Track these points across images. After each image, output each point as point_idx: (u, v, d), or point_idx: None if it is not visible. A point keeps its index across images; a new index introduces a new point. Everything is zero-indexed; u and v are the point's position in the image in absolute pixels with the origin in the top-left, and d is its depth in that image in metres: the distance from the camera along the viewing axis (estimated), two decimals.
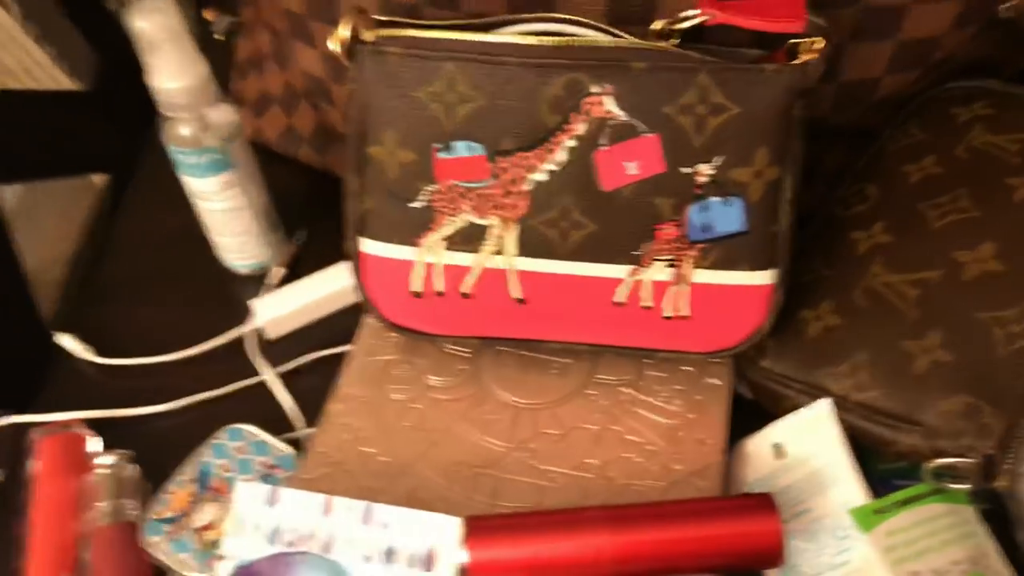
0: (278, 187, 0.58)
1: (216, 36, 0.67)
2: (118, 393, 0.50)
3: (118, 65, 0.71)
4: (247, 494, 0.38)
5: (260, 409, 0.49)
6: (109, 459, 0.45)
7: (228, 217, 0.51)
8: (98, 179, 0.81)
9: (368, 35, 0.38)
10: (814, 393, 0.40)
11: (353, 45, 0.38)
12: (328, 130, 0.57)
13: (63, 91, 0.86)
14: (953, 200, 0.41)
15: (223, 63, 0.67)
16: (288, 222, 0.57)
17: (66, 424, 0.47)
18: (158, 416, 0.49)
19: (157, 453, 0.47)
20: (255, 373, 0.50)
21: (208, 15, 0.69)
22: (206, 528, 0.43)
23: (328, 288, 0.51)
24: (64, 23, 0.79)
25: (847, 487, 0.38)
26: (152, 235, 0.59)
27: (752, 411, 0.44)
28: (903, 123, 0.46)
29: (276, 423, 0.48)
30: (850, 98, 0.43)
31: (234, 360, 0.51)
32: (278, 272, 0.54)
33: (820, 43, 0.34)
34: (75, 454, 0.46)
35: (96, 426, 0.48)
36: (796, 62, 0.35)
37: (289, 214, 0.57)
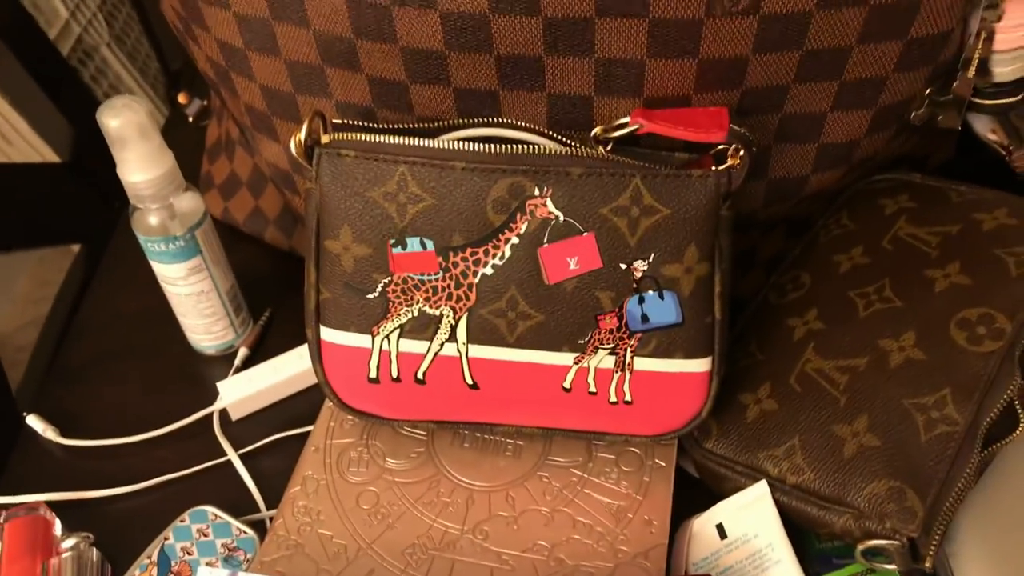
0: (245, 266, 0.60)
1: (188, 118, 0.70)
2: (83, 474, 0.51)
3: (93, 137, 0.73)
4: None
5: (224, 490, 0.50)
6: (70, 542, 0.46)
7: (194, 300, 0.53)
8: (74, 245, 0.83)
9: (325, 138, 0.41)
10: (754, 475, 0.42)
11: (311, 147, 0.40)
12: (294, 213, 0.59)
13: (39, 163, 0.88)
14: (878, 290, 0.43)
15: (197, 142, 0.70)
16: (254, 302, 0.59)
17: (32, 507, 0.48)
18: (123, 497, 0.50)
19: (121, 534, 0.48)
20: (220, 453, 0.51)
21: (181, 99, 0.71)
22: None
23: (291, 369, 0.53)
24: (40, 97, 0.82)
25: (785, 568, 0.40)
26: (120, 314, 0.60)
27: (702, 489, 0.45)
28: (835, 213, 0.49)
29: (240, 504, 0.49)
30: (780, 193, 0.45)
31: (199, 440, 0.52)
32: (243, 353, 0.56)
33: (742, 152, 0.37)
34: (41, 538, 0.47)
35: (60, 507, 0.49)
36: (721, 167, 0.38)
37: (255, 294, 0.59)
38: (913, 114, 0.42)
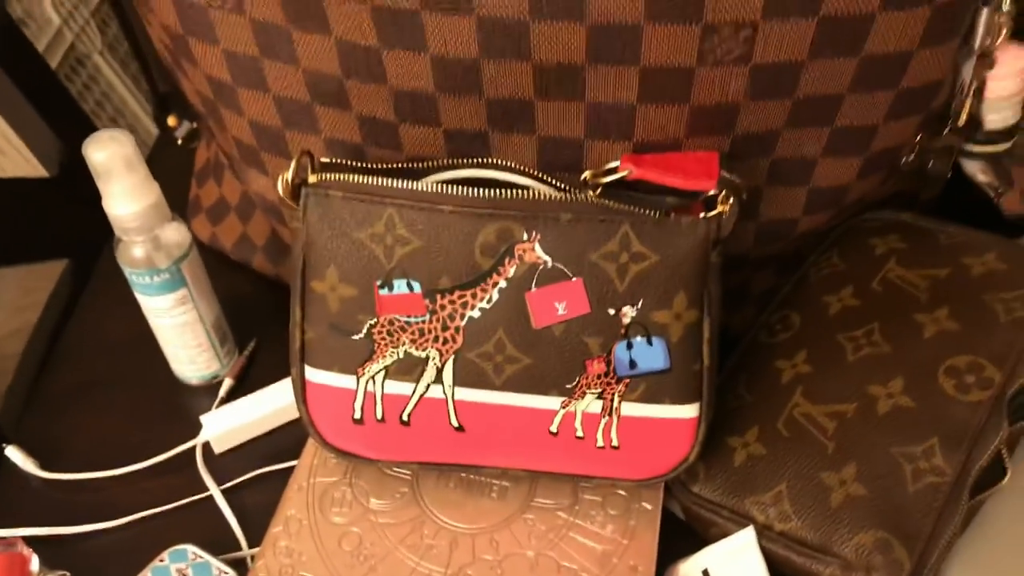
0: (231, 293, 0.59)
1: (178, 142, 0.69)
2: (62, 508, 0.50)
3: (81, 152, 0.72)
4: None
5: (206, 526, 0.49)
6: None
7: (179, 331, 0.52)
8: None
9: (313, 177, 0.40)
10: (741, 521, 0.41)
11: (298, 186, 0.40)
12: (282, 241, 0.58)
13: (26, 178, 0.87)
14: (867, 334, 0.43)
15: (188, 164, 0.69)
16: (240, 330, 0.58)
17: (9, 542, 0.47)
18: (102, 532, 0.49)
19: (99, 571, 0.47)
20: (203, 487, 0.51)
21: (171, 121, 0.71)
22: None
23: (276, 403, 0.52)
24: (28, 110, 0.81)
25: None
26: (104, 341, 0.60)
27: (689, 531, 0.45)
28: (826, 251, 0.49)
29: (222, 541, 0.48)
30: (771, 235, 0.45)
31: (182, 474, 0.51)
32: (228, 383, 0.55)
33: (732, 198, 0.37)
34: (17, 575, 0.46)
35: (38, 543, 0.48)
36: (711, 214, 0.37)
37: (241, 322, 0.58)
38: (904, 160, 0.42)
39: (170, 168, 0.69)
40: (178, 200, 0.65)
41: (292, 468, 0.50)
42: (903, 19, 0.35)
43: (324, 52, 0.39)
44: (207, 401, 0.55)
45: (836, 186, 0.42)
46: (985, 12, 0.38)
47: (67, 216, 0.76)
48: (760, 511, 0.41)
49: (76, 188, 0.75)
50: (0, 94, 0.77)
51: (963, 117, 0.40)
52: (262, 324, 0.59)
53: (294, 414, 0.53)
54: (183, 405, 0.55)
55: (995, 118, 0.41)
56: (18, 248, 0.78)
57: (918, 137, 0.42)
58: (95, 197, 0.48)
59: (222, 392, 0.55)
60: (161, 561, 0.46)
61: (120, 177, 0.46)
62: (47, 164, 0.83)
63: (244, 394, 0.53)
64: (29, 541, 0.47)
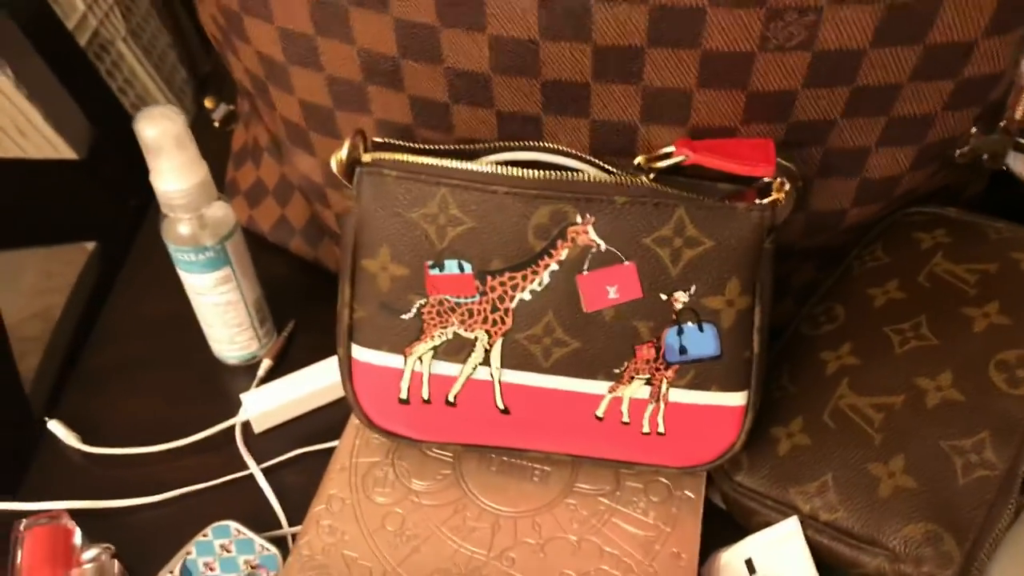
0: (268, 276, 0.59)
1: (215, 123, 0.70)
2: (104, 482, 0.51)
3: (110, 134, 0.72)
4: None
5: (246, 504, 0.49)
6: (92, 552, 0.46)
7: (221, 310, 0.53)
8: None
9: (366, 157, 0.40)
10: (784, 511, 0.41)
11: (352, 165, 0.40)
12: (321, 224, 0.59)
13: (55, 160, 0.87)
14: (915, 327, 0.43)
15: (222, 148, 0.69)
16: (278, 312, 0.58)
17: (53, 515, 0.47)
18: (144, 508, 0.50)
19: (142, 546, 0.47)
20: (242, 466, 0.51)
21: (208, 103, 0.71)
22: None
23: (316, 383, 0.53)
24: (60, 92, 0.81)
25: None
26: (143, 319, 0.60)
27: (727, 520, 0.45)
28: (869, 245, 0.48)
29: (262, 519, 0.48)
30: (819, 225, 0.45)
31: (221, 452, 0.52)
32: (267, 364, 0.56)
33: (788, 186, 0.37)
34: (61, 547, 0.46)
35: (81, 516, 0.48)
36: (766, 201, 0.37)
37: (279, 304, 0.59)
38: (958, 152, 0.42)
39: (204, 151, 0.69)
40: (215, 183, 0.65)
41: (330, 449, 0.50)
42: (970, 6, 0.35)
43: (381, 30, 0.39)
44: (245, 382, 0.56)
45: (888, 177, 0.42)
46: None
47: (93, 199, 0.77)
48: (805, 501, 0.41)
49: (103, 171, 0.76)
50: (33, 75, 0.77)
51: (1020, 110, 0.40)
52: (299, 306, 0.60)
53: (334, 395, 0.53)
54: (221, 385, 0.56)
55: None
56: (42, 230, 0.78)
57: (973, 129, 0.41)
58: (121, 181, 0.48)
59: (261, 372, 0.55)
60: (204, 536, 0.46)
61: (170, 154, 0.46)
62: (76, 147, 0.84)
63: (281, 375, 0.54)
64: (72, 514, 0.48)
